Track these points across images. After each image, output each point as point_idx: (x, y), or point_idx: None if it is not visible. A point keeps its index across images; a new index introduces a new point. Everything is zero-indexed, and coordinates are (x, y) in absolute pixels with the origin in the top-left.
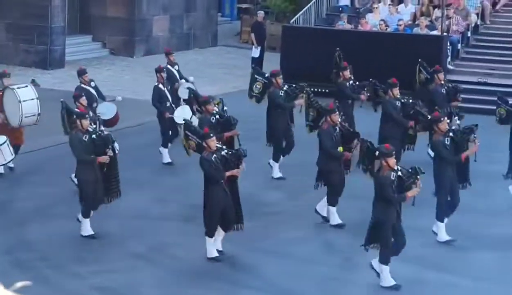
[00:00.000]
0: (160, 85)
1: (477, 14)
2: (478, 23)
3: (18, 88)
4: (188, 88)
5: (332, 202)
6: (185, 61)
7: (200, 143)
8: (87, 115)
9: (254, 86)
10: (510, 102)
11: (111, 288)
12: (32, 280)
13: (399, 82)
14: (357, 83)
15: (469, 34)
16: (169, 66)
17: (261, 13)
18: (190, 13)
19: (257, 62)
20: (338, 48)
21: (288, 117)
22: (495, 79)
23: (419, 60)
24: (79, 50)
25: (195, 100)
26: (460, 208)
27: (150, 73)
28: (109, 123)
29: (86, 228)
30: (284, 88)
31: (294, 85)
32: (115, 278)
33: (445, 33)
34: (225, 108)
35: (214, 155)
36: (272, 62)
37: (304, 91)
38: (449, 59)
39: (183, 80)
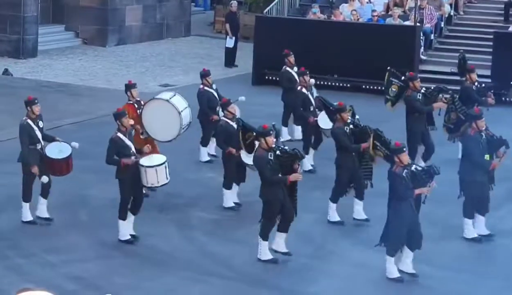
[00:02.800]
0: (303, 90)
1: (451, 5)
2: (452, 13)
3: (171, 98)
4: (318, 97)
5: (468, 214)
6: (158, 51)
7: (389, 155)
8: (271, 131)
9: (389, 89)
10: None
11: (83, 277)
12: (4, 269)
13: (372, 73)
14: (483, 85)
15: (442, 24)
16: (288, 68)
17: (234, 3)
18: (163, 2)
19: (231, 52)
20: (461, 50)
21: (426, 121)
22: None
23: None
24: (52, 39)
25: (326, 109)
26: (436, 198)
27: (123, 62)
28: None
29: (266, 252)
30: (422, 91)
31: (432, 88)
32: (87, 267)
33: (418, 24)
34: (356, 117)
35: (406, 170)
36: (245, 52)
37: (450, 96)
38: (422, 49)
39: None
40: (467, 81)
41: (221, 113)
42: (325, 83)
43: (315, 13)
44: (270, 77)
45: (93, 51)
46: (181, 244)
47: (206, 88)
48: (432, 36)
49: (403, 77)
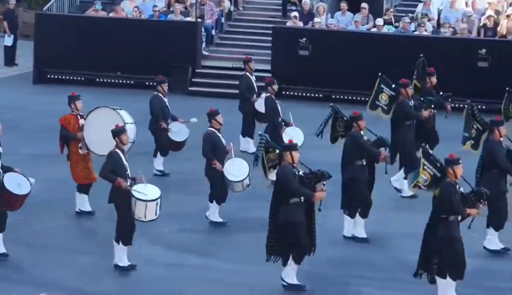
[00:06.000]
0: (273, 97)
1: (230, 1)
2: (232, 9)
3: (117, 109)
4: (331, 106)
5: (496, 226)
6: None
7: (436, 176)
8: (299, 147)
9: (379, 96)
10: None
11: None
12: None
13: (155, 69)
14: (441, 93)
15: (223, 20)
16: (248, 74)
17: (12, 0)
18: None
19: (10, 51)
20: (421, 55)
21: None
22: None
23: None
24: None
25: (339, 117)
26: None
27: None
28: (176, 146)
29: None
30: (412, 102)
31: (421, 99)
32: None
33: (199, 20)
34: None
35: (458, 185)
36: (25, 51)
37: (468, 105)
38: (204, 45)
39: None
40: (427, 84)
41: (173, 125)
42: (109, 80)
43: (99, 10)
44: (52, 76)
45: None
46: None
47: (160, 95)
48: (213, 32)
49: (393, 86)
